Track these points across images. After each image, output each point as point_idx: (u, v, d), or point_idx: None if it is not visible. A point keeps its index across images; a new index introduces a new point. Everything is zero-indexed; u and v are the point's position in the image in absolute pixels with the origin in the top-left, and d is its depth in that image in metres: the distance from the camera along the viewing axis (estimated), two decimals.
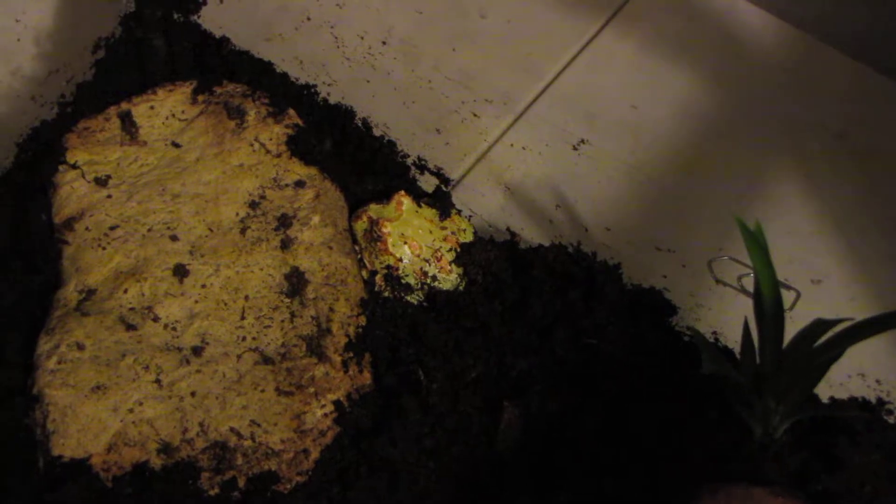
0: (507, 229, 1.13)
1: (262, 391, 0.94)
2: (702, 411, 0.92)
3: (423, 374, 0.98)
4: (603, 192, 1.16)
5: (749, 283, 1.02)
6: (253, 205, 1.06)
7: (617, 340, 1.01)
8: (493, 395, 0.98)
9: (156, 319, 0.97)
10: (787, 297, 0.96)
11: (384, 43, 1.29)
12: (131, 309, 0.97)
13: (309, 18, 1.31)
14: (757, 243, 0.78)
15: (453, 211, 1.11)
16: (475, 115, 1.22)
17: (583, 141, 1.19)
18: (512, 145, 1.20)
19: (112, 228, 1.02)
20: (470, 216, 1.15)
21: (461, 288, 1.07)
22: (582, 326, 1.01)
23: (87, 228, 1.02)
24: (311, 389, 0.95)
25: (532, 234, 1.13)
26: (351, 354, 0.98)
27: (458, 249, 1.07)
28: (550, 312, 1.03)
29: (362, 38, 1.29)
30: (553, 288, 1.04)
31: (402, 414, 0.95)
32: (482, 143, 1.21)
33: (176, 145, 1.10)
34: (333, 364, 0.96)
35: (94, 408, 0.91)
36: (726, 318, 1.07)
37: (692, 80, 1.26)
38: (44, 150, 1.12)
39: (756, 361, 0.85)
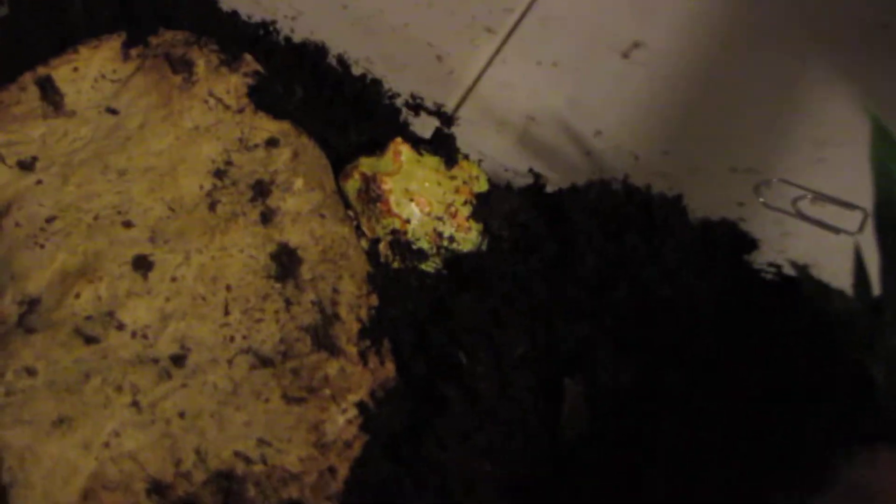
0: (530, 170, 1.07)
1: (267, 401, 0.88)
2: (810, 362, 0.87)
3: (464, 356, 0.91)
4: (661, 107, 1.09)
5: (806, 207, 0.99)
6: (219, 173, 1.01)
7: (692, 287, 0.95)
8: (548, 373, 0.93)
9: (120, 327, 0.90)
10: (852, 218, 0.95)
11: None
12: (88, 317, 0.90)
13: None
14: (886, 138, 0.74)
15: (460, 156, 1.06)
16: (489, 31, 1.15)
17: (636, 44, 1.11)
18: (539, 63, 1.12)
19: (49, 220, 0.96)
20: (480, 160, 1.09)
21: (484, 247, 1.03)
22: (646, 275, 0.96)
23: (17, 224, 0.96)
24: (327, 391, 0.89)
25: (563, 174, 1.07)
26: (368, 343, 0.92)
27: (474, 201, 1.02)
28: (604, 263, 0.97)
29: None
30: (603, 233, 0.99)
31: (443, 408, 0.90)
32: (497, 66, 1.15)
33: (112, 111, 1.04)
34: (349, 357, 0.91)
35: (59, 447, 0.84)
36: (799, 248, 1.01)
37: None
38: None
39: (871, 294, 0.80)
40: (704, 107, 1.09)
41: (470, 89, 1.13)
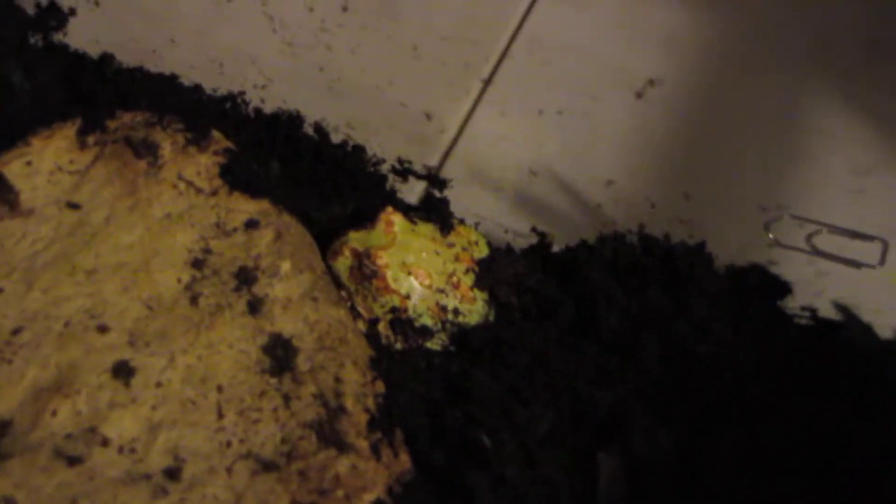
0: (533, 229, 1.05)
1: None
2: (863, 408, 0.85)
3: (487, 439, 0.88)
4: (680, 148, 1.07)
5: (822, 243, 0.97)
6: (197, 264, 0.98)
7: (726, 341, 0.94)
8: (579, 447, 0.91)
9: (105, 443, 0.86)
10: (868, 250, 0.94)
11: (345, 9, 1.16)
12: (68, 436, 0.86)
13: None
14: None
15: (455, 221, 1.04)
16: (485, 81, 1.12)
17: (651, 82, 1.09)
18: (541, 112, 1.09)
19: (15, 332, 0.92)
20: (477, 224, 1.07)
21: (492, 318, 1.00)
22: (676, 332, 0.94)
23: None
24: (340, 493, 0.85)
25: (569, 231, 1.05)
26: (379, 434, 0.89)
27: (476, 269, 1.01)
28: (628, 322, 0.96)
29: (311, 9, 1.17)
30: (623, 290, 0.97)
31: (469, 499, 0.86)
32: (494, 119, 1.12)
33: (73, 206, 1.01)
34: (360, 452, 0.87)
35: None
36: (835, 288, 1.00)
37: None
38: None
39: None
40: (728, 143, 1.07)
41: (463, 147, 1.10)
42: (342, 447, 0.87)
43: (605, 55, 1.08)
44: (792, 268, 0.99)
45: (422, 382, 0.95)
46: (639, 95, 1.07)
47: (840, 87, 1.10)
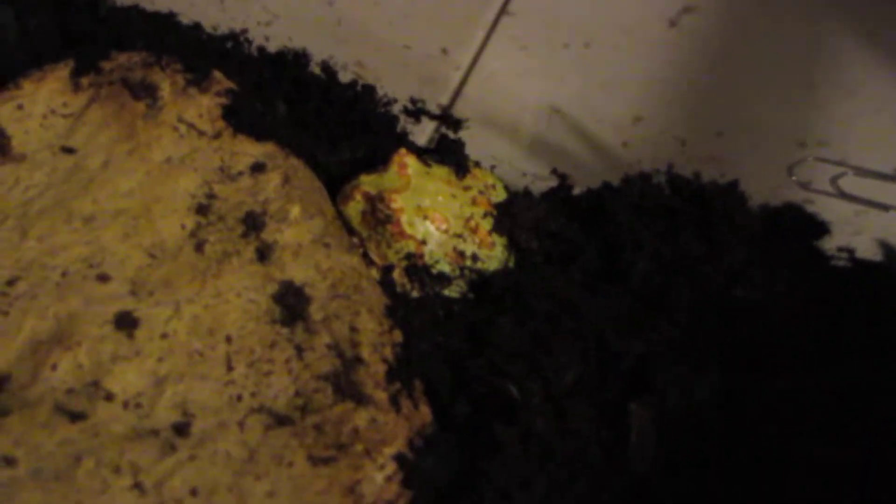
0: (554, 171, 1.03)
1: (290, 465, 0.82)
2: None
3: (515, 390, 0.87)
4: (714, 82, 1.04)
5: (848, 185, 0.94)
6: (202, 209, 0.96)
7: (762, 283, 0.92)
8: (608, 398, 0.89)
9: (109, 397, 0.84)
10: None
11: None
12: (70, 391, 0.84)
13: None
14: None
15: (471, 163, 1.02)
16: (507, 13, 1.09)
17: (686, 9, 1.05)
18: (566, 45, 1.06)
19: (10, 283, 0.90)
20: (493, 166, 1.05)
21: (511, 263, 0.99)
22: (708, 276, 0.92)
23: None
24: (359, 447, 0.83)
25: (592, 172, 1.03)
26: (398, 386, 0.87)
27: (495, 213, 0.99)
28: (658, 267, 0.94)
29: None
30: (652, 233, 0.95)
31: (494, 452, 0.84)
32: (514, 52, 1.09)
33: (68, 151, 0.99)
34: (378, 404, 0.85)
35: None
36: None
37: None
38: None
39: None
40: (764, 75, 1.04)
41: (479, 84, 1.08)
42: (359, 399, 0.85)
43: None
44: (829, 207, 0.97)
45: (441, 331, 0.94)
46: (672, 24, 1.04)
47: (887, 17, 1.07)
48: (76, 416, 0.82)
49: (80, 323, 0.87)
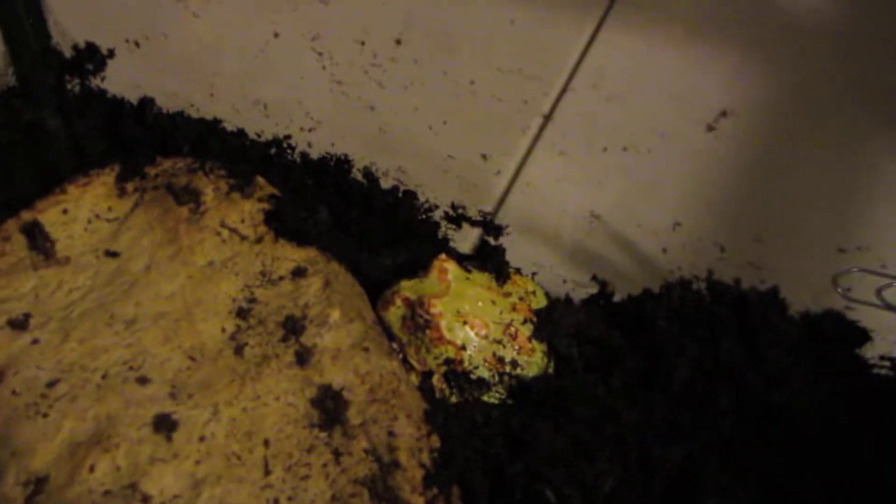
0: (593, 278, 1.04)
1: None
2: None
3: (552, 496, 0.86)
4: (753, 186, 1.03)
5: (893, 295, 0.94)
6: (242, 313, 0.97)
7: (803, 390, 0.91)
8: None
9: (146, 500, 0.84)
10: None
11: (399, 42, 1.13)
12: (107, 493, 0.85)
13: (277, 35, 1.15)
14: None
15: (511, 269, 1.04)
16: (545, 117, 1.09)
17: (724, 114, 1.06)
18: (605, 149, 1.07)
19: (51, 384, 0.91)
20: (534, 273, 1.06)
21: (551, 370, 0.99)
22: (750, 383, 0.92)
23: (13, 392, 0.91)
24: None
25: (632, 278, 1.03)
26: (435, 491, 0.87)
27: (534, 319, 0.99)
28: (698, 374, 0.94)
29: (362, 43, 1.14)
30: (692, 340, 0.95)
31: None
32: (553, 158, 1.09)
33: (112, 254, 1.01)
34: None
35: None
36: None
37: None
38: None
39: None
40: (804, 180, 1.04)
41: (520, 190, 1.08)
42: None
43: (674, 86, 1.05)
44: (871, 314, 0.96)
45: (479, 436, 0.94)
46: (710, 128, 1.04)
47: None
48: None
49: (118, 425, 0.88)
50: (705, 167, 1.03)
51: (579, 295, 1.04)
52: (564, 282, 1.06)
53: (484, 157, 1.10)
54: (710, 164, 1.04)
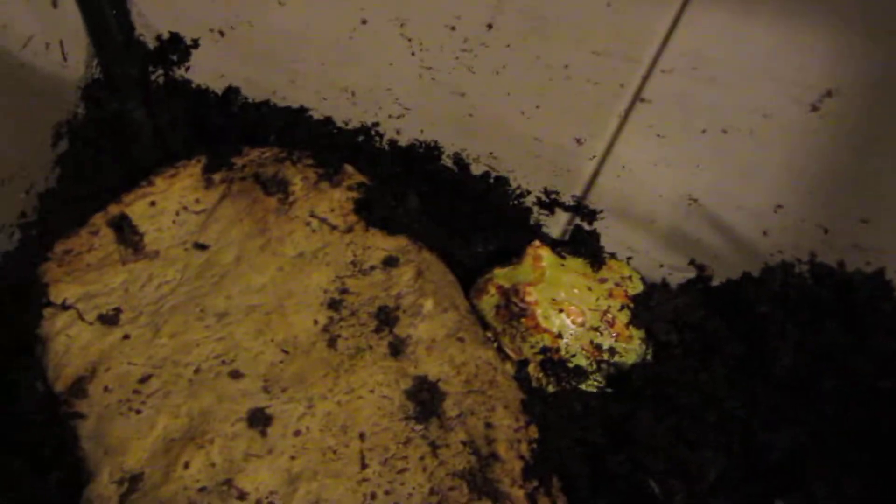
0: (692, 262, 1.02)
1: None
2: None
3: (656, 486, 0.85)
4: (858, 166, 1.01)
5: None
6: (334, 304, 0.96)
7: None
8: (754, 494, 0.86)
9: (242, 496, 0.84)
10: None
11: (490, 26, 1.12)
12: (202, 489, 0.84)
13: (364, 22, 1.15)
14: None
15: (606, 255, 1.02)
16: (642, 100, 1.08)
17: (829, 93, 1.04)
18: (704, 131, 1.05)
19: (143, 380, 0.91)
20: (629, 258, 1.05)
21: (650, 357, 0.98)
22: (857, 367, 0.89)
23: (106, 389, 0.90)
24: None
25: (731, 262, 1.02)
26: (535, 483, 0.86)
27: (632, 305, 0.98)
28: (803, 358, 0.92)
29: (453, 28, 1.13)
30: (796, 325, 0.93)
31: None
32: (650, 140, 1.08)
33: (201, 247, 1.01)
34: (515, 502, 0.84)
35: None
36: None
37: None
38: (15, 293, 1.01)
39: None
40: None
41: (614, 174, 1.07)
42: (496, 497, 0.85)
43: (775, 65, 1.03)
44: None
45: (579, 426, 0.93)
46: (814, 108, 1.02)
47: None
48: None
49: (212, 420, 0.88)
50: (809, 148, 1.01)
51: (676, 280, 1.02)
52: (661, 266, 1.04)
53: (578, 141, 1.08)
54: (814, 144, 1.01)
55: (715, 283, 1.01)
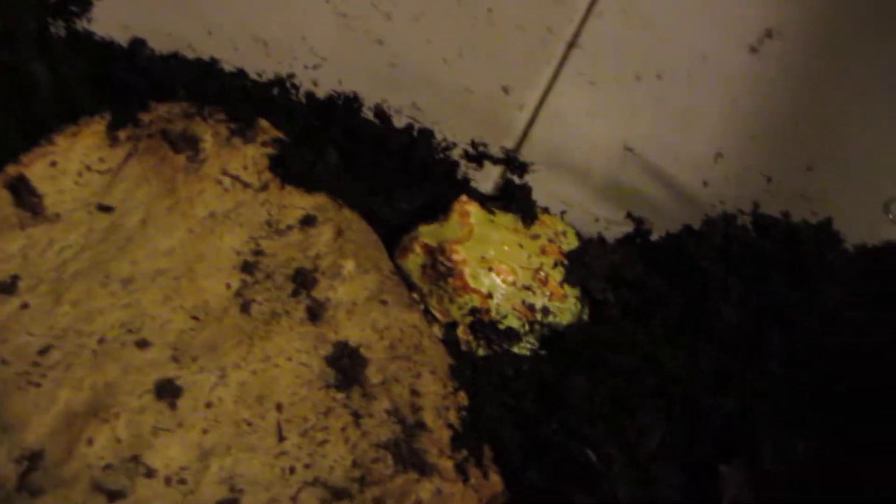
0: (628, 215, 1.01)
1: None
2: None
3: (593, 455, 0.84)
4: (801, 111, 1.01)
5: None
6: (248, 267, 0.94)
7: (862, 329, 0.88)
8: (697, 461, 0.85)
9: (150, 474, 0.81)
10: None
11: None
12: (107, 466, 0.81)
13: None
14: None
15: (539, 210, 1.00)
16: (572, 46, 1.06)
17: (768, 33, 1.02)
18: (638, 77, 1.04)
19: (43, 352, 0.87)
20: (563, 212, 1.03)
21: (586, 316, 0.96)
22: (803, 323, 0.88)
23: (2, 361, 0.86)
24: None
25: (670, 214, 1.01)
26: (465, 453, 0.85)
27: (566, 262, 0.96)
28: (747, 315, 0.91)
29: None
30: (739, 279, 0.92)
31: None
32: (581, 88, 1.06)
33: (105, 209, 0.97)
34: (444, 474, 0.83)
35: None
36: None
37: None
38: None
39: None
40: (857, 103, 1.01)
41: (545, 124, 1.05)
42: (423, 469, 0.83)
43: (714, 5, 1.02)
44: None
45: (510, 392, 0.91)
46: (753, 50, 1.01)
47: None
48: (114, 495, 0.80)
49: (118, 393, 0.85)
50: (749, 92, 1.01)
51: (613, 234, 1.01)
52: (597, 220, 1.04)
53: (505, 90, 1.07)
54: (755, 88, 1.01)
55: (654, 237, 1.00)
